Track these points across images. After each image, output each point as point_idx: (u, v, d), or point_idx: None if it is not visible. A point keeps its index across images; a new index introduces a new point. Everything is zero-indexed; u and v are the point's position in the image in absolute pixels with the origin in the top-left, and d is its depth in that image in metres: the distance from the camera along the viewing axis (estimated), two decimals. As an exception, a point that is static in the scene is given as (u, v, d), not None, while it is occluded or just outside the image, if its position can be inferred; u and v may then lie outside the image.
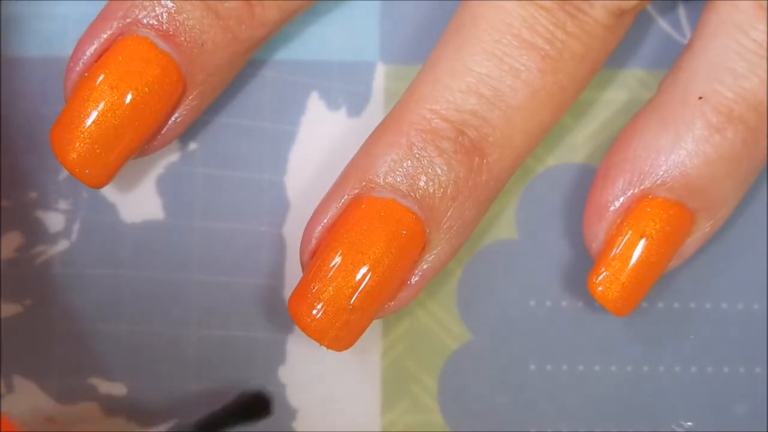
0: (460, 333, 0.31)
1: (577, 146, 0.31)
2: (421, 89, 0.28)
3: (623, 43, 0.31)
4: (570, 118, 0.31)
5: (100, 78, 0.27)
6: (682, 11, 0.32)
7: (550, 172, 0.31)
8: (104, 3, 0.31)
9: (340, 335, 0.27)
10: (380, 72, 0.31)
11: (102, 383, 0.30)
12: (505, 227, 0.31)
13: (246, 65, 0.31)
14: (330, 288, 0.26)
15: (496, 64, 0.27)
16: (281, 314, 0.30)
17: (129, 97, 0.27)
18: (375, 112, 0.31)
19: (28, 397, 0.30)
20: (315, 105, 0.31)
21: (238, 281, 0.30)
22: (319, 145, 0.31)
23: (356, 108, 0.31)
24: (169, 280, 0.30)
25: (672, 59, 0.31)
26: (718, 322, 0.31)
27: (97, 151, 0.27)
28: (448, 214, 0.27)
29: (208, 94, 0.29)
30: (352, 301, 0.26)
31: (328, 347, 0.27)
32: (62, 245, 0.30)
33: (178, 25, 0.27)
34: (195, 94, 0.28)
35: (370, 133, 0.31)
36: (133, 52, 0.27)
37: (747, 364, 0.31)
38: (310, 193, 0.31)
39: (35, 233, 0.30)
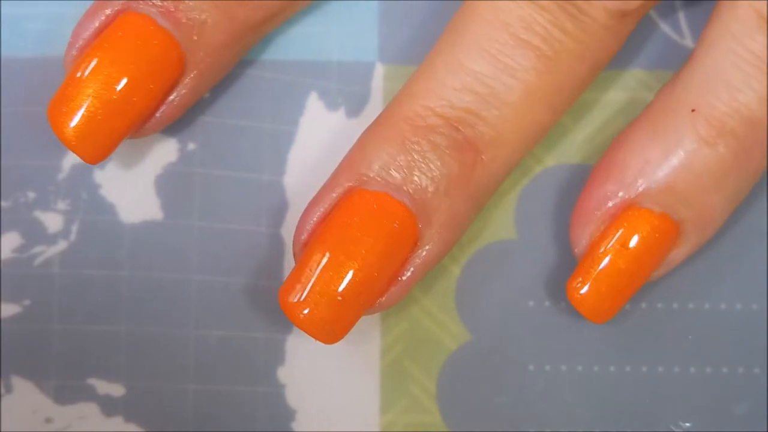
0: (459, 333, 0.31)
1: (576, 147, 0.31)
2: (416, 86, 0.28)
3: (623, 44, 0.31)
4: (569, 118, 0.31)
5: (99, 53, 0.27)
6: (681, 13, 0.32)
7: (549, 173, 0.31)
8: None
9: (328, 327, 0.27)
10: (379, 72, 0.31)
11: (101, 384, 0.30)
12: (504, 228, 0.31)
13: (245, 65, 0.31)
14: (320, 279, 0.27)
15: (492, 62, 0.27)
16: (281, 314, 0.30)
17: (127, 73, 0.27)
18: (374, 113, 0.31)
19: (26, 398, 0.30)
20: (314, 105, 0.31)
21: (238, 281, 0.30)
22: (319, 146, 0.31)
23: (355, 108, 0.31)
24: (169, 281, 0.30)
25: (671, 60, 0.31)
26: (716, 323, 0.31)
27: (94, 125, 0.27)
28: (441, 209, 0.27)
29: (206, 77, 0.29)
30: (340, 290, 0.26)
31: (316, 339, 0.27)
32: (61, 246, 0.30)
33: (179, 2, 0.27)
34: (194, 74, 0.28)
35: (369, 133, 0.31)
36: (133, 29, 0.27)
37: (746, 364, 0.31)
38: (309, 194, 0.30)
39: (34, 234, 0.30)
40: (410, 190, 0.27)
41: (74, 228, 0.30)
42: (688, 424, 0.30)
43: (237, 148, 0.31)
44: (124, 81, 0.27)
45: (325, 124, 0.31)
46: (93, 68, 0.27)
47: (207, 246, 0.30)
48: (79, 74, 0.27)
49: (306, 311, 0.27)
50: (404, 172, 0.27)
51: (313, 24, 0.31)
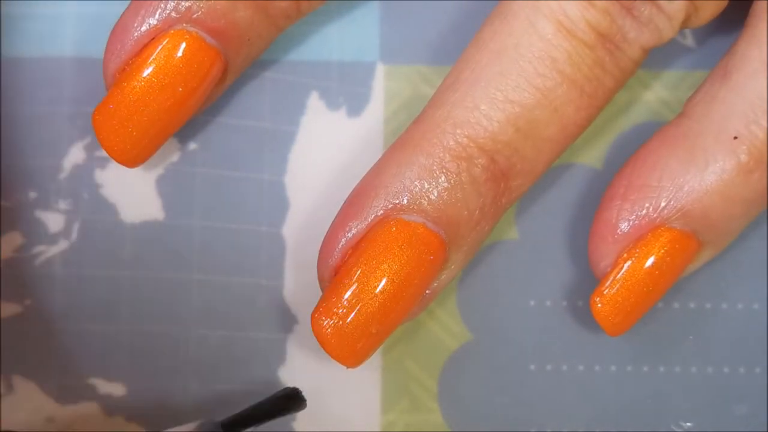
0: (460, 333, 0.31)
1: (576, 147, 0.31)
2: (456, 113, 0.27)
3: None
4: (570, 118, 0.31)
5: (149, 69, 0.27)
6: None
7: (549, 173, 0.31)
8: (105, 3, 0.31)
9: (358, 355, 0.27)
10: (380, 72, 0.31)
11: (102, 383, 0.30)
12: (505, 228, 0.31)
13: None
14: (356, 310, 0.27)
15: (538, 99, 0.27)
16: (281, 314, 0.30)
17: (176, 95, 0.28)
18: (375, 112, 0.31)
19: (27, 398, 0.30)
20: (315, 105, 0.31)
21: (238, 281, 0.30)
22: (319, 145, 0.31)
23: (356, 108, 0.31)
24: (169, 280, 0.30)
25: (672, 60, 0.31)
26: (718, 322, 0.31)
27: (140, 139, 0.28)
28: (471, 237, 0.28)
29: (236, 76, 0.30)
30: (373, 321, 0.27)
31: (341, 363, 0.27)
32: (62, 245, 0.30)
33: (228, 22, 0.28)
34: (230, 75, 0.29)
35: (370, 133, 0.31)
36: (183, 47, 0.27)
37: (747, 364, 0.31)
38: (310, 193, 0.31)
39: (35, 233, 0.30)
40: (445, 221, 0.27)
41: (75, 228, 0.30)
42: (689, 424, 0.30)
43: (238, 147, 0.31)
44: (173, 102, 0.28)
45: (326, 123, 0.31)
46: (142, 89, 0.27)
47: (208, 246, 0.30)
48: (127, 90, 0.27)
49: (340, 341, 0.27)
50: (442, 202, 0.27)
51: (313, 24, 0.31)
